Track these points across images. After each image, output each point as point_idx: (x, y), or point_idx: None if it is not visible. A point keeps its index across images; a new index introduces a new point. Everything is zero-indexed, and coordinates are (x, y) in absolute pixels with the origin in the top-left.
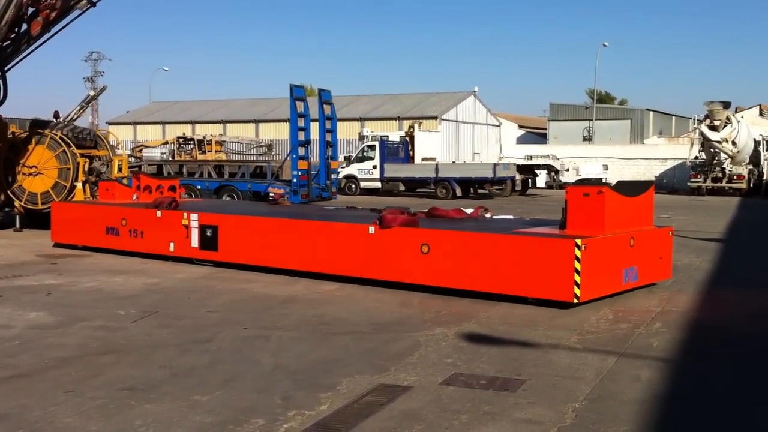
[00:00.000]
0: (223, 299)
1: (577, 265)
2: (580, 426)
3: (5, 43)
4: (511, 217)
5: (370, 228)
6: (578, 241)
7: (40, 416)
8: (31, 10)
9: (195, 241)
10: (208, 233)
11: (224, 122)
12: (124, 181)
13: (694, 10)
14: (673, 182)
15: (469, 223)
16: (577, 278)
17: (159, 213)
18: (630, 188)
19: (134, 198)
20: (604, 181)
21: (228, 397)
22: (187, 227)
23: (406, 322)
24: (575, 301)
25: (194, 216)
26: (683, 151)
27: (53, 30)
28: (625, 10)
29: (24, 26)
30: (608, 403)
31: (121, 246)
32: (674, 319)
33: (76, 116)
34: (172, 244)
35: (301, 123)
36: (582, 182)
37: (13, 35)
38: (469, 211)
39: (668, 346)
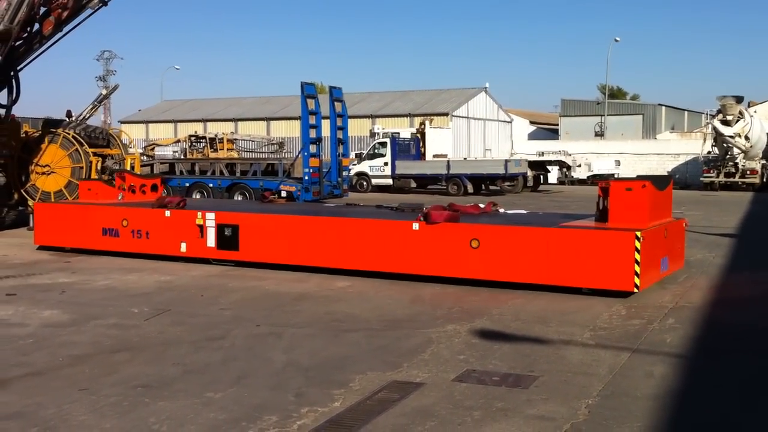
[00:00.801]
0: (235, 297)
1: (637, 256)
2: (593, 422)
3: (18, 43)
4: (524, 211)
5: (414, 224)
6: (638, 233)
7: (54, 414)
8: (43, 9)
9: (211, 241)
10: (227, 232)
11: (236, 120)
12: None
13: (707, 4)
14: (685, 177)
15: (487, 218)
16: (637, 269)
17: (168, 213)
18: (658, 182)
19: (120, 198)
20: (616, 176)
21: (241, 394)
22: (202, 227)
23: (418, 319)
24: (635, 290)
25: (210, 215)
26: (696, 146)
27: (65, 29)
28: (636, 5)
29: (36, 26)
30: (621, 399)
31: (121, 248)
32: (687, 315)
33: (88, 115)
34: (183, 245)
35: (312, 120)
36: (595, 178)
37: (26, 35)
38: (482, 206)
39: (681, 342)
